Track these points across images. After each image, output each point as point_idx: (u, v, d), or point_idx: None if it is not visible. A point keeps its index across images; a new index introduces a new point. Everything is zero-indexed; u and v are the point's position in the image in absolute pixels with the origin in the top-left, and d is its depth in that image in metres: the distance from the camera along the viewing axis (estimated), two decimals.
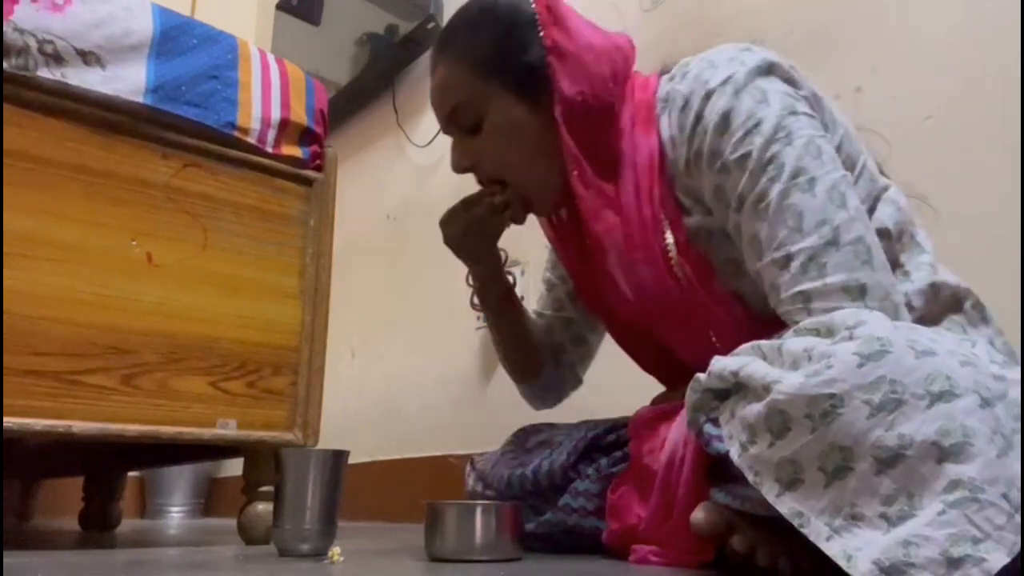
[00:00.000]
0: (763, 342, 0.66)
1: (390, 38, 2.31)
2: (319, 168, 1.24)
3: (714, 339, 0.84)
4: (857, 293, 0.71)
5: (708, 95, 0.78)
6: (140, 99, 1.05)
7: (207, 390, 1.08)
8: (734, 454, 0.63)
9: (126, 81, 1.04)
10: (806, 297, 0.72)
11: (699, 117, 0.79)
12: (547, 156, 0.88)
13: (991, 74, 1.12)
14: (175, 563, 0.93)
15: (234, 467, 1.77)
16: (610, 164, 0.86)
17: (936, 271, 0.80)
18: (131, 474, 2.20)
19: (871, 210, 0.81)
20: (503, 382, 1.87)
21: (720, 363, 0.66)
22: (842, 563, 0.54)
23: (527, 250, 1.85)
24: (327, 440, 1.16)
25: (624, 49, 0.91)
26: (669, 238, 0.82)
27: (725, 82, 0.77)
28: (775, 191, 0.74)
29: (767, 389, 0.60)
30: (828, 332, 0.63)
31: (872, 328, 0.60)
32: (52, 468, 1.87)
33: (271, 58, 1.22)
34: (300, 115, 1.21)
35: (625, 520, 0.87)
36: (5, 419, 0.92)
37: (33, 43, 0.98)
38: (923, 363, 0.56)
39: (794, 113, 0.76)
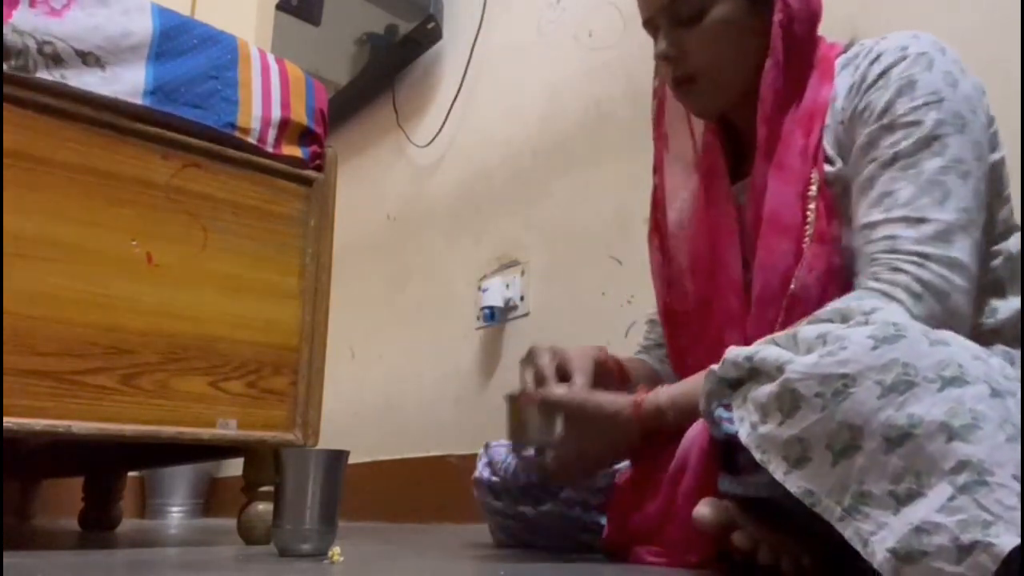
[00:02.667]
0: (777, 333, 0.67)
1: (390, 38, 2.31)
2: (319, 168, 1.24)
3: (793, 286, 0.84)
4: (958, 274, 0.75)
5: (903, 58, 0.82)
6: (139, 100, 1.05)
7: (207, 390, 1.08)
8: (743, 434, 0.64)
9: (125, 83, 1.05)
10: (924, 256, 0.75)
11: (884, 73, 0.82)
12: (748, 59, 0.90)
13: (991, 75, 1.12)
14: (175, 563, 0.93)
15: (234, 467, 1.77)
16: (792, 88, 0.90)
17: None
18: (131, 474, 2.20)
19: (1005, 235, 0.85)
20: (503, 382, 1.88)
21: (734, 351, 0.67)
22: (857, 546, 0.55)
23: (527, 250, 1.86)
24: (327, 440, 1.16)
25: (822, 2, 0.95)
26: (815, 174, 0.85)
27: (923, 54, 0.81)
28: (934, 165, 0.78)
29: (780, 370, 0.61)
30: (843, 319, 0.64)
31: (887, 315, 0.61)
32: (52, 468, 1.87)
33: (271, 58, 1.22)
34: (300, 115, 1.21)
35: (625, 521, 0.87)
36: (5, 419, 0.92)
37: (32, 44, 0.98)
38: (936, 350, 0.58)
39: (973, 111, 0.80)
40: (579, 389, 0.88)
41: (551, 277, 1.78)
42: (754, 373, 0.65)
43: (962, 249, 0.76)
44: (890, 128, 0.80)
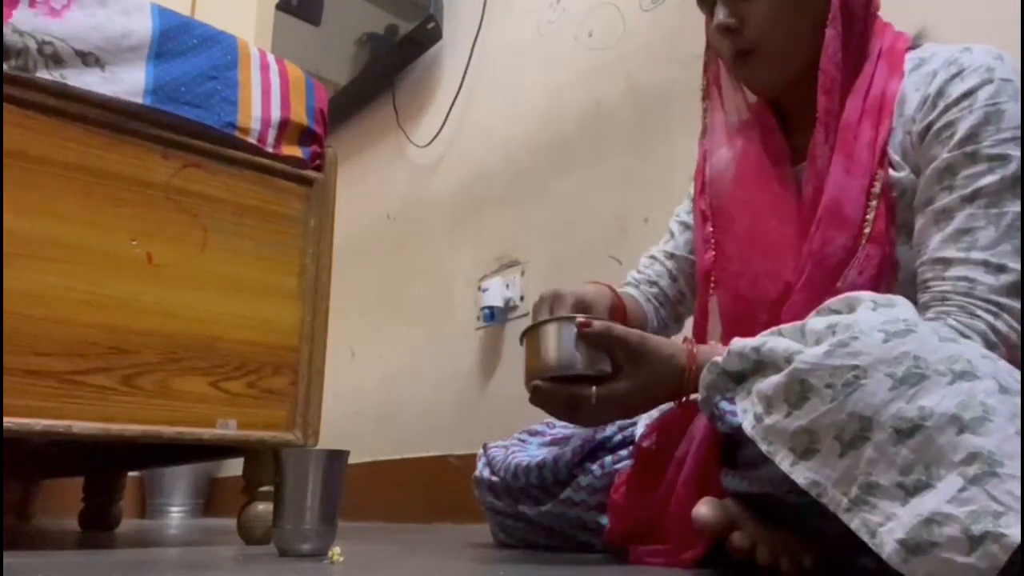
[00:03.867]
0: (784, 325, 0.66)
1: (390, 38, 2.31)
2: (319, 168, 1.24)
3: (840, 283, 0.82)
4: (1018, 327, 0.74)
5: (989, 80, 0.78)
6: (139, 100, 1.05)
7: (207, 390, 1.08)
8: (747, 426, 0.64)
9: (125, 82, 1.05)
10: (999, 307, 0.74)
11: (970, 94, 0.79)
12: (807, 34, 0.88)
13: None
14: (175, 563, 0.93)
15: (234, 467, 1.77)
16: (853, 66, 0.88)
17: None
18: (131, 474, 2.20)
19: None
20: (503, 382, 1.88)
21: (739, 343, 0.67)
22: (865, 538, 0.55)
23: (528, 250, 1.86)
24: (327, 440, 1.16)
25: None
26: (880, 172, 0.82)
27: (1009, 81, 0.78)
28: (1017, 208, 0.75)
29: (788, 360, 0.61)
30: (850, 308, 0.64)
31: (898, 311, 0.61)
32: (52, 468, 1.87)
33: (271, 58, 1.22)
34: (300, 115, 1.21)
35: (625, 519, 0.87)
36: (5, 419, 0.92)
37: (32, 44, 0.98)
38: (946, 346, 0.58)
39: None
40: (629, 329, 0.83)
41: (551, 277, 1.78)
42: (760, 365, 0.65)
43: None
44: (973, 158, 0.77)
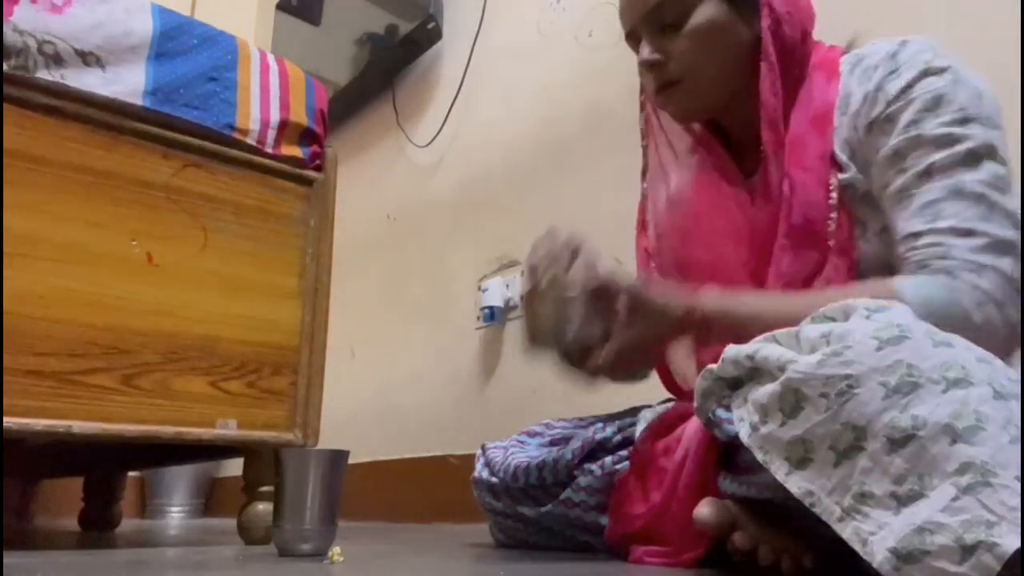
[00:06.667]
0: (779, 331, 0.66)
1: (390, 38, 2.31)
2: (319, 168, 1.24)
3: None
4: (1011, 286, 0.75)
5: (926, 72, 0.81)
6: (139, 101, 1.05)
7: (207, 390, 1.08)
8: (744, 434, 0.64)
9: (125, 83, 1.05)
10: (980, 265, 0.75)
11: (908, 88, 0.82)
12: (732, 64, 0.91)
13: (990, 74, 1.12)
14: (175, 563, 0.93)
15: (234, 467, 1.77)
16: (790, 91, 0.90)
17: None
18: (131, 474, 2.20)
19: None
20: (503, 382, 1.88)
21: (734, 349, 0.67)
22: (856, 547, 0.55)
23: (527, 250, 1.85)
24: (327, 440, 1.16)
25: (813, 8, 0.95)
26: (833, 179, 0.85)
27: (946, 69, 0.81)
28: (972, 178, 0.77)
29: (782, 369, 0.61)
30: (845, 316, 0.64)
31: (892, 316, 0.61)
32: (52, 468, 1.87)
33: (271, 58, 1.22)
34: (300, 115, 1.21)
35: (625, 520, 0.87)
36: (5, 419, 0.92)
37: (33, 44, 0.98)
38: (940, 352, 0.58)
39: (997, 128, 0.80)
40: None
41: None
42: (755, 372, 0.65)
43: (1010, 263, 0.76)
44: (917, 141, 0.80)
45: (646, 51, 0.92)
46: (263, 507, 1.11)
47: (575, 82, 1.81)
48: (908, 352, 0.57)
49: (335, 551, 0.86)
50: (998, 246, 0.76)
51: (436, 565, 0.82)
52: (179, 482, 2.70)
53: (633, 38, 0.95)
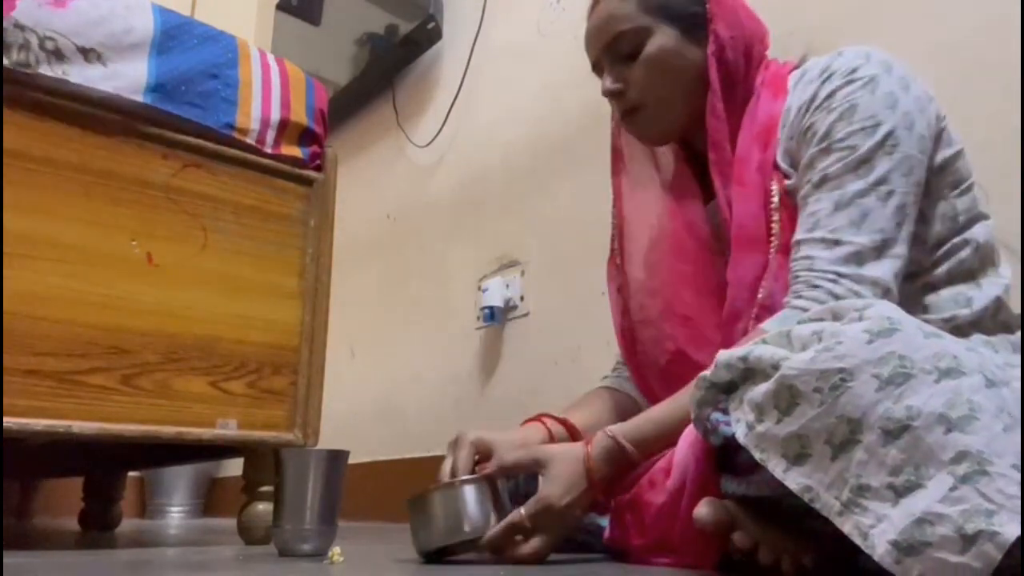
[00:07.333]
0: (768, 334, 0.67)
1: (390, 38, 2.31)
2: (319, 168, 1.24)
3: (760, 295, 0.86)
4: (869, 289, 0.78)
5: (850, 81, 0.84)
6: (140, 97, 1.05)
7: (207, 390, 1.08)
8: (740, 434, 0.64)
9: (127, 78, 1.04)
10: (837, 275, 0.79)
11: (831, 95, 0.85)
12: (687, 88, 0.95)
13: (990, 74, 1.12)
14: (175, 563, 0.93)
15: (234, 467, 1.77)
16: (737, 110, 0.94)
17: (1007, 295, 0.85)
18: (131, 474, 2.20)
19: (968, 225, 0.86)
20: (503, 382, 1.88)
21: (725, 354, 0.67)
22: (857, 540, 0.55)
23: (527, 250, 1.86)
24: (327, 440, 1.16)
25: (764, 27, 0.99)
26: (775, 186, 0.88)
27: (870, 78, 0.83)
28: (855, 187, 0.81)
29: (776, 367, 0.62)
30: (836, 316, 0.64)
31: (881, 310, 0.61)
32: (52, 468, 1.87)
33: (271, 58, 1.22)
34: (300, 115, 1.21)
35: (627, 522, 0.87)
36: (5, 419, 0.92)
37: (34, 40, 0.98)
38: (931, 343, 0.58)
39: (910, 128, 0.82)
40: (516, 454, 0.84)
41: (551, 277, 1.78)
42: (749, 373, 0.65)
43: (875, 268, 0.79)
44: (827, 151, 0.83)
45: (608, 81, 0.98)
46: (263, 507, 1.11)
47: (575, 82, 1.81)
48: (900, 343, 0.57)
49: (335, 551, 0.86)
50: (860, 255, 0.79)
51: (436, 565, 0.82)
52: (179, 482, 2.70)
53: (598, 69, 1.01)
